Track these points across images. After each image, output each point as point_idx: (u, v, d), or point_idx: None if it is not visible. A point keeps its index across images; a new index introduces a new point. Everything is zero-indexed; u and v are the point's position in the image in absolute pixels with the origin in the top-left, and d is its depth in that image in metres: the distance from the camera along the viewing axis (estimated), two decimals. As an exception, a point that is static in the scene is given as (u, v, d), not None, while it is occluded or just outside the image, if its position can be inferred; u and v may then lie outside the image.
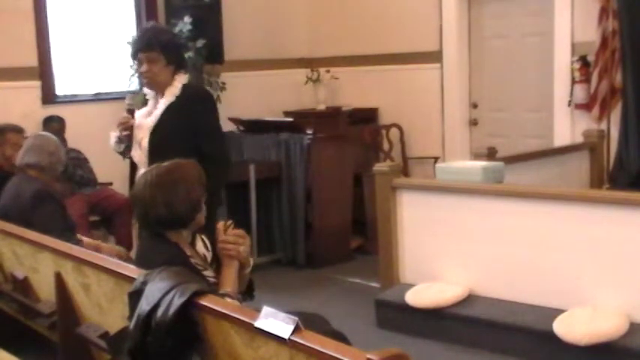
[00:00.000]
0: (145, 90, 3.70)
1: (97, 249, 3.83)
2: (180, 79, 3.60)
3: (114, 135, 3.70)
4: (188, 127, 3.52)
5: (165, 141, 3.49)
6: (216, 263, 2.83)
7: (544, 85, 6.12)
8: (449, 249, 4.44)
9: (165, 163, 2.77)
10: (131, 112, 3.69)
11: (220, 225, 2.72)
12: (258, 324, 1.97)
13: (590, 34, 5.62)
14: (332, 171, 5.90)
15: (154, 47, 3.52)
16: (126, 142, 3.66)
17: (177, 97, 3.57)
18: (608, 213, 3.84)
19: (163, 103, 3.58)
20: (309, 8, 7.59)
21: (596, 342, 3.62)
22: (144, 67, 3.56)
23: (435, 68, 6.69)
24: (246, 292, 2.82)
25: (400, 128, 6.87)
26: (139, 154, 3.59)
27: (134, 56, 3.64)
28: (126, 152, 3.71)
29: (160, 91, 3.62)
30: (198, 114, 3.57)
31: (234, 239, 2.70)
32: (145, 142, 3.57)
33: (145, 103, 3.74)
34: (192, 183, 2.70)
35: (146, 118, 3.62)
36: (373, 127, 6.89)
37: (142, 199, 2.67)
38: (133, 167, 3.73)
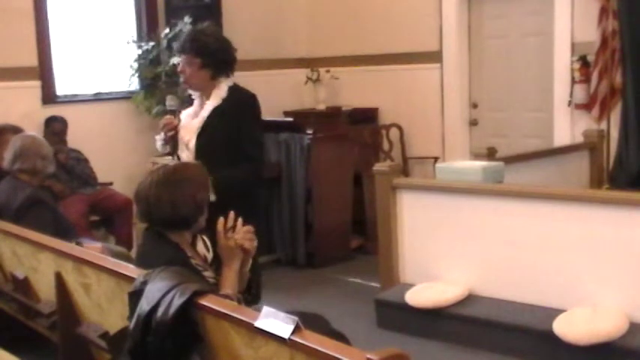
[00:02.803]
0: (190, 90, 3.76)
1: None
2: (226, 82, 3.64)
3: (159, 138, 3.73)
4: (233, 130, 3.56)
5: (212, 143, 3.55)
6: (216, 264, 2.84)
7: (544, 85, 6.12)
8: (449, 249, 4.44)
9: (173, 164, 2.79)
10: (172, 112, 3.72)
11: (221, 223, 2.70)
12: (258, 324, 1.97)
13: (590, 34, 5.62)
14: (332, 171, 5.90)
15: (187, 50, 3.60)
16: (171, 143, 3.70)
17: (224, 100, 3.61)
18: (608, 213, 3.83)
19: (210, 105, 3.61)
20: (309, 8, 7.59)
21: (595, 342, 3.62)
22: (180, 67, 3.67)
23: (435, 68, 6.69)
24: (246, 291, 2.81)
25: (400, 128, 6.87)
26: (187, 155, 3.62)
27: (177, 54, 3.77)
28: (173, 154, 3.74)
29: (198, 91, 3.68)
30: (243, 117, 3.61)
31: (250, 235, 2.70)
32: (192, 144, 3.60)
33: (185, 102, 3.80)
34: (197, 185, 2.71)
35: (192, 120, 3.65)
36: (373, 127, 6.89)
37: (147, 198, 2.67)
38: None
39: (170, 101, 3.77)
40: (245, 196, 3.52)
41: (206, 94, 3.65)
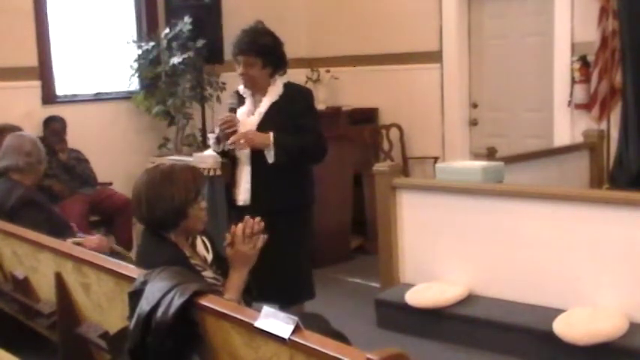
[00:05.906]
0: (241, 89, 3.81)
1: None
2: (282, 79, 3.72)
3: (212, 136, 3.80)
4: (289, 125, 3.64)
5: None
6: (216, 265, 2.83)
7: (544, 85, 6.12)
8: (449, 249, 4.44)
9: (163, 165, 2.79)
10: (233, 110, 3.80)
11: (240, 229, 2.68)
12: (258, 324, 1.97)
13: (590, 34, 5.62)
14: (332, 171, 5.88)
15: (250, 52, 3.65)
16: (225, 140, 3.74)
17: (281, 96, 3.69)
18: (608, 213, 3.84)
19: (267, 102, 3.69)
20: (309, 8, 7.59)
21: (595, 342, 3.62)
22: (241, 70, 3.70)
23: (435, 68, 6.69)
24: (245, 293, 2.81)
25: (400, 128, 6.87)
26: (245, 151, 3.70)
27: (234, 57, 3.75)
28: (227, 152, 3.79)
29: (258, 91, 3.74)
30: (300, 111, 3.69)
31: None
32: None
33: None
34: (179, 188, 2.67)
35: (248, 117, 3.73)
36: (373, 127, 6.88)
37: (134, 196, 2.74)
38: (234, 164, 3.83)
39: (231, 99, 3.84)
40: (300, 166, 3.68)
41: (261, 92, 3.72)
